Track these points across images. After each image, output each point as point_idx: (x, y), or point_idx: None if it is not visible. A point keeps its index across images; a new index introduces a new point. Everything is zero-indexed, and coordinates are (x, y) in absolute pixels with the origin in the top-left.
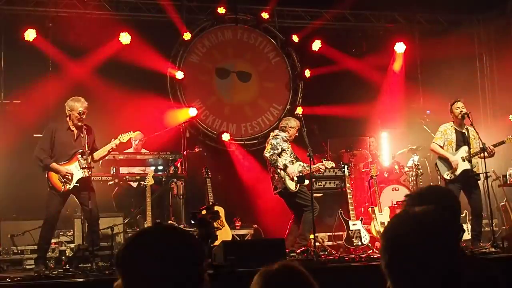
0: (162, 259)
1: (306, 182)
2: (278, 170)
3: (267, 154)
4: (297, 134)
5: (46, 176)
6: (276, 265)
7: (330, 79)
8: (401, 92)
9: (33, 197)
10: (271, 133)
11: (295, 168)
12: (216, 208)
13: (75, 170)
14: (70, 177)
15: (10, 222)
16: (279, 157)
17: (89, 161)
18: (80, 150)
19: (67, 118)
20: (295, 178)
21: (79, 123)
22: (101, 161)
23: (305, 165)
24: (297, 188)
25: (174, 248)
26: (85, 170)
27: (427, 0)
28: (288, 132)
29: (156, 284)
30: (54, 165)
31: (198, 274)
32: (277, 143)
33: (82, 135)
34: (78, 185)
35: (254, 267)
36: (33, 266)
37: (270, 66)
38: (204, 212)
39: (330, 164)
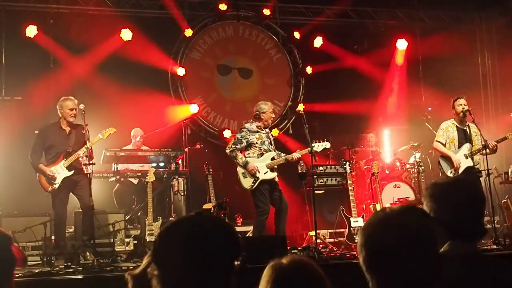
0: (197, 249)
1: (272, 175)
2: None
3: (227, 151)
4: (272, 116)
5: (37, 176)
6: (286, 259)
7: (332, 76)
8: (402, 89)
9: (34, 194)
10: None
11: (261, 163)
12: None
13: (60, 169)
14: (54, 177)
15: (11, 219)
16: (247, 150)
17: (73, 159)
18: (68, 150)
19: (60, 119)
20: (259, 174)
21: (72, 119)
22: (102, 157)
23: (282, 155)
24: (254, 186)
25: (211, 239)
26: (71, 170)
27: None
28: (262, 119)
29: (187, 273)
30: (41, 166)
31: (229, 270)
32: (241, 137)
33: (75, 132)
34: (62, 184)
35: (256, 263)
36: (36, 263)
37: (271, 62)
38: (214, 208)
39: (320, 146)
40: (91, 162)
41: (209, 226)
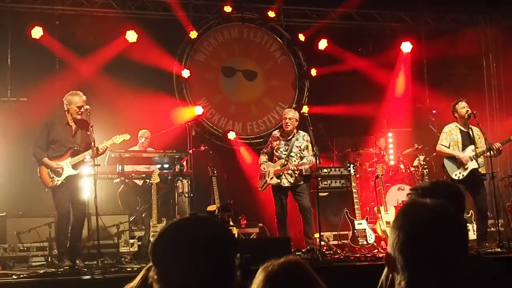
0: (196, 249)
1: (275, 181)
2: None
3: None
4: (287, 123)
5: (38, 170)
6: (279, 261)
7: (336, 78)
8: (407, 92)
9: (39, 195)
10: None
11: (272, 168)
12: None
13: (65, 166)
14: (60, 172)
15: (16, 219)
16: (274, 155)
17: (81, 159)
18: (75, 148)
19: (66, 113)
20: (267, 178)
21: (78, 117)
22: (107, 158)
23: (282, 163)
24: (262, 188)
25: (209, 239)
26: (76, 169)
27: (434, 0)
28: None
29: (189, 274)
30: (45, 160)
31: (231, 268)
32: (269, 142)
33: (81, 131)
34: (65, 181)
35: (260, 265)
36: (40, 263)
37: (276, 64)
38: (218, 210)
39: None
40: (96, 163)
41: (205, 225)
